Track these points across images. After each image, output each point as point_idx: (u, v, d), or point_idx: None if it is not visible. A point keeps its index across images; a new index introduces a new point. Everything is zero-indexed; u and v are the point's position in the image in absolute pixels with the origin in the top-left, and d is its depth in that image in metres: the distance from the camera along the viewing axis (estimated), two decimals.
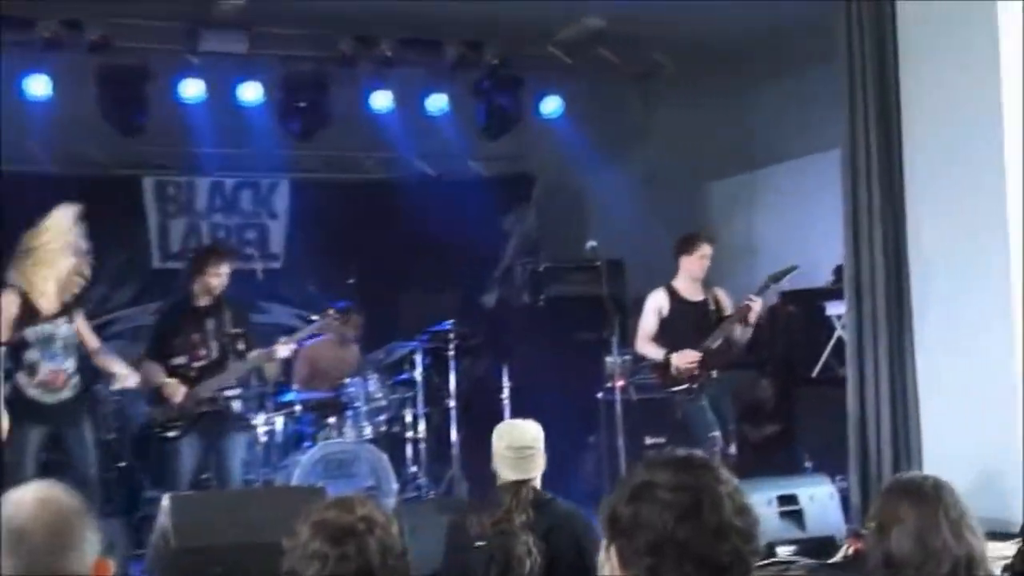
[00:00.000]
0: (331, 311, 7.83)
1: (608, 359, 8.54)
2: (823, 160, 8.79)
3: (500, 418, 8.23)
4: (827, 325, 8.57)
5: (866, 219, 7.29)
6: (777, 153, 10.36)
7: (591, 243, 7.81)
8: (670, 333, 7.79)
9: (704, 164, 10.92)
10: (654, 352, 7.80)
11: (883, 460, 7.13)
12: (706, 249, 7.80)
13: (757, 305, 7.69)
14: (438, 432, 8.89)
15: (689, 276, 7.84)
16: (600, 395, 8.80)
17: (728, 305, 7.94)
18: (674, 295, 7.86)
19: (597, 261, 7.89)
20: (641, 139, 11.14)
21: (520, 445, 4.58)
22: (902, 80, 7.19)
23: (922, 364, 7.15)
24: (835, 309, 8.32)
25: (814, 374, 8.72)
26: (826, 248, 8.63)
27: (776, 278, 7.89)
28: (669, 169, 10.81)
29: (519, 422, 4.78)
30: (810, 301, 9.03)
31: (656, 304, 7.87)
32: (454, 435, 8.71)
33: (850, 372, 7.39)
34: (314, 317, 7.88)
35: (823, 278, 9.05)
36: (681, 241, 7.88)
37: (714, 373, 7.68)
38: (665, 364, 7.69)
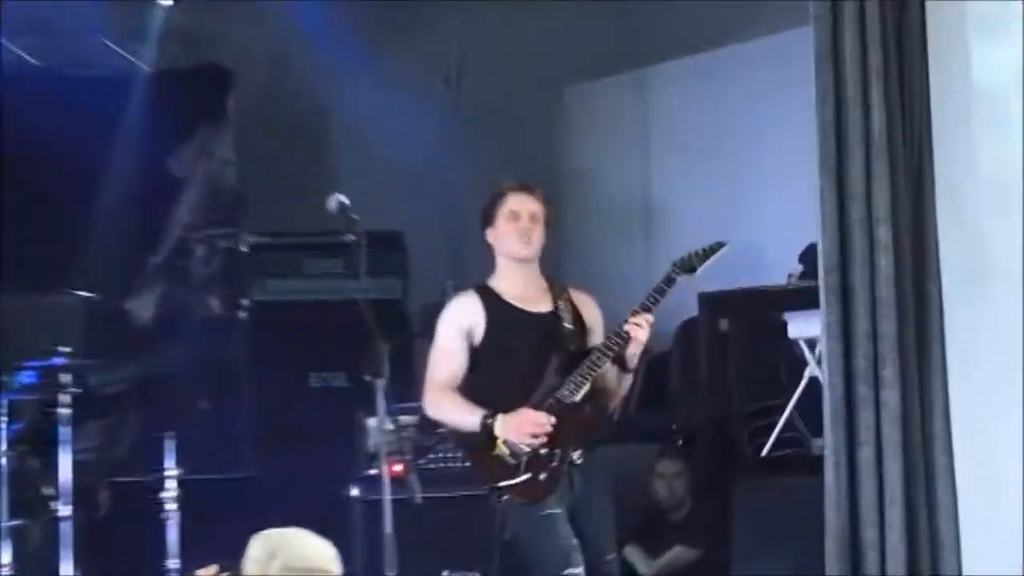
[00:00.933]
0: None
1: (371, 423, 8.65)
2: (774, 47, 9.29)
3: (157, 537, 8.62)
4: (789, 357, 8.88)
5: (859, 159, 7.41)
6: (688, 36, 10.61)
7: (338, 197, 7.40)
8: (492, 376, 7.59)
9: (558, 54, 11.11)
10: (461, 413, 7.56)
11: None
12: (521, 202, 7.69)
13: (643, 327, 7.47)
14: (36, 561, 8.90)
15: (515, 268, 7.74)
16: (355, 492, 8.89)
17: (598, 323, 7.84)
18: (495, 303, 7.69)
19: (350, 233, 7.48)
20: (437, 5, 11.13)
21: (308, 566, 5.04)
22: None
23: (962, 430, 7.33)
24: (803, 327, 8.57)
25: (765, 451, 8.92)
26: (785, 212, 8.94)
27: (689, 266, 7.65)
28: (490, 61, 10.93)
29: (298, 532, 5.16)
30: (758, 312, 9.27)
31: (462, 321, 7.69)
32: (67, 568, 8.68)
33: (830, 446, 7.46)
34: None
35: (781, 269, 9.22)
36: (487, 204, 7.89)
37: (576, 455, 7.48)
38: (484, 435, 7.41)
